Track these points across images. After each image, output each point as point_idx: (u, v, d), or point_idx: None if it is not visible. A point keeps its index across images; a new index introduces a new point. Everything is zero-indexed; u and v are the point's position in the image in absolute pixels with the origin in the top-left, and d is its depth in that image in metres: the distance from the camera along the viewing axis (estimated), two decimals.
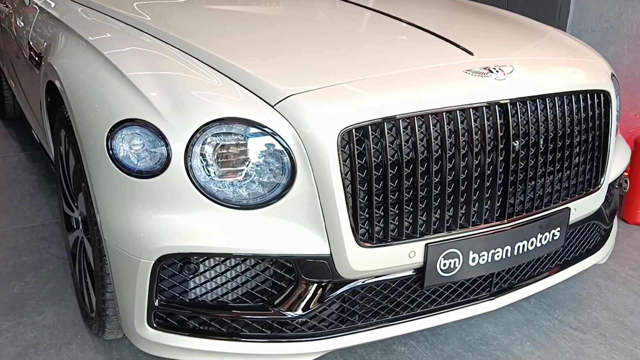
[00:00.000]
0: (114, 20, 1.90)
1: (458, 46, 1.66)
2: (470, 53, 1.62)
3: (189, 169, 1.37)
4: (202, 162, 1.38)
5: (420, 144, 1.42)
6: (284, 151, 1.38)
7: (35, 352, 1.83)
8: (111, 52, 1.66)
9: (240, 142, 1.38)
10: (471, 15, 2.24)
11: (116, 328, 1.69)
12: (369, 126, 1.37)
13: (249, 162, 1.39)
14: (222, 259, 1.41)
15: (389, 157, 1.40)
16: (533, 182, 1.61)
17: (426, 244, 1.48)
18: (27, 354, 1.82)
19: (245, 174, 1.40)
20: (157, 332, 1.45)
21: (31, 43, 2.25)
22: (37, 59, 2.12)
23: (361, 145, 1.38)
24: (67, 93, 1.65)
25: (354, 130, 1.36)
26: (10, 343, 1.87)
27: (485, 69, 1.54)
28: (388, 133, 1.39)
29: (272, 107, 1.40)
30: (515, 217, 1.60)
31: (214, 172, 1.38)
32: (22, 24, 2.53)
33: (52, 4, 2.22)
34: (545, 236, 1.66)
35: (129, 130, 1.40)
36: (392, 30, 1.84)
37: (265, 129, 1.38)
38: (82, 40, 1.80)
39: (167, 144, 1.37)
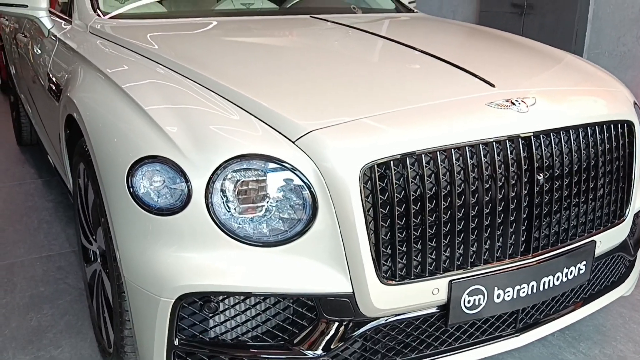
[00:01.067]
0: (132, 53, 1.91)
1: (478, 77, 1.65)
2: (491, 85, 1.60)
3: (209, 206, 1.36)
4: (222, 199, 1.37)
5: (443, 178, 1.40)
6: (305, 187, 1.36)
7: None
8: (129, 85, 1.66)
9: (261, 178, 1.37)
10: (487, 42, 2.23)
11: None
12: (391, 161, 1.36)
13: (270, 198, 1.38)
14: (243, 297, 1.39)
15: (411, 192, 1.38)
16: (558, 215, 1.58)
17: (450, 281, 1.45)
18: None
19: (266, 210, 1.38)
20: None
21: (51, 74, 2.27)
22: (56, 91, 2.13)
23: (383, 181, 1.36)
24: (87, 127, 1.65)
25: (375, 166, 1.35)
26: None
27: (507, 101, 1.52)
28: (410, 168, 1.37)
29: (293, 142, 1.38)
30: (540, 251, 1.56)
31: (235, 209, 1.37)
32: (41, 54, 2.56)
33: (71, 36, 2.24)
34: (571, 270, 1.62)
35: (150, 167, 1.39)
36: (409, 60, 1.83)
37: (286, 165, 1.36)
38: (101, 74, 1.81)
39: (187, 181, 1.36)
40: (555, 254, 1.59)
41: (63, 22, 2.45)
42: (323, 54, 1.93)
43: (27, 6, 2.40)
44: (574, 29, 2.98)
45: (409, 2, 3.09)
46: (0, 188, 3.50)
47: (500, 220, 1.48)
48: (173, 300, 1.37)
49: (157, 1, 2.87)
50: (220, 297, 1.39)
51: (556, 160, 1.53)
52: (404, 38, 2.02)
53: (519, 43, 2.27)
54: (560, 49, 2.22)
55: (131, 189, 1.39)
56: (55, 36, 2.37)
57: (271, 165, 1.37)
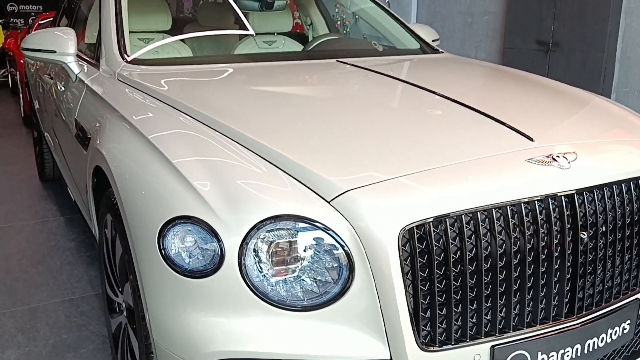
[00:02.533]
0: (160, 103, 1.89)
1: (515, 130, 1.60)
2: (530, 138, 1.56)
3: (242, 268, 1.32)
4: (255, 261, 1.33)
5: (484, 239, 1.35)
6: (341, 250, 1.32)
7: None
8: (157, 136, 1.65)
9: (296, 239, 1.33)
10: (517, 86, 2.19)
11: None
12: (430, 223, 1.31)
13: (305, 260, 1.33)
14: None
15: (451, 254, 1.33)
16: (602, 274, 1.51)
17: (492, 346, 1.38)
18: None
19: (300, 272, 1.34)
20: None
21: (79, 121, 2.27)
22: (84, 139, 2.12)
23: (423, 243, 1.31)
24: (116, 181, 1.63)
25: (414, 227, 1.30)
26: None
27: (548, 156, 1.47)
28: (450, 229, 1.33)
29: (328, 202, 1.35)
30: (584, 312, 1.49)
31: (268, 271, 1.33)
32: (69, 98, 2.57)
33: (99, 83, 2.24)
34: (615, 330, 1.55)
35: (182, 227, 1.36)
36: (443, 111, 1.79)
37: (321, 226, 1.32)
38: (129, 124, 1.79)
39: (220, 243, 1.32)
40: (600, 314, 1.52)
41: (91, 66, 2.46)
42: (353, 103, 1.90)
43: (55, 52, 2.42)
44: (602, 68, 2.93)
45: (433, 40, 3.07)
46: (24, 226, 3.50)
47: (543, 282, 1.42)
48: None
49: (181, 40, 2.89)
50: None
51: (599, 216, 1.47)
52: (436, 85, 1.98)
53: (549, 87, 2.23)
54: (588, 87, 2.18)
55: (162, 251, 1.36)
56: (82, 82, 2.37)
57: (306, 226, 1.33)
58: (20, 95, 6.72)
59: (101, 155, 1.79)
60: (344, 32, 5.11)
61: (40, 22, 7.39)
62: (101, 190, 1.93)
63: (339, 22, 5.13)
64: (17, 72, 6.97)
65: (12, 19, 13.22)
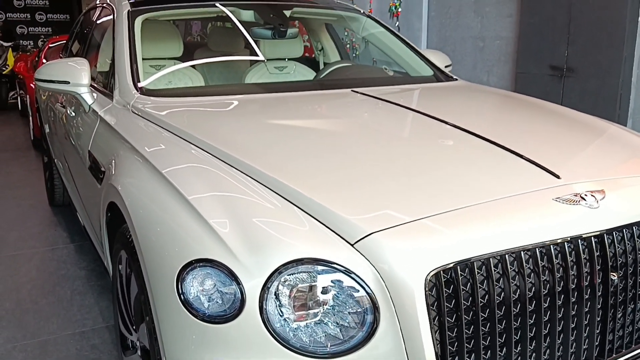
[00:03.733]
0: (175, 137, 1.87)
1: (539, 166, 1.57)
2: (556, 175, 1.52)
3: (263, 313, 1.28)
4: (277, 305, 1.29)
5: (512, 282, 1.31)
6: (365, 294, 1.28)
7: None
8: (172, 171, 1.63)
9: (318, 283, 1.29)
10: (536, 117, 2.16)
11: None
12: (458, 266, 1.27)
13: (327, 304, 1.30)
14: None
15: (479, 299, 1.28)
16: (632, 315, 1.46)
17: None
18: None
19: (323, 317, 1.30)
20: None
21: (92, 153, 2.25)
22: (98, 172, 2.10)
23: (449, 287, 1.27)
24: (132, 219, 1.60)
25: (441, 271, 1.26)
26: None
27: (576, 195, 1.43)
28: (478, 273, 1.29)
29: (352, 245, 1.31)
30: (614, 354, 1.45)
31: (290, 316, 1.29)
32: (82, 129, 2.55)
33: (112, 115, 2.22)
34: None
35: (201, 270, 1.33)
36: (464, 146, 1.75)
37: (344, 270, 1.28)
38: (144, 159, 1.77)
39: (240, 286, 1.29)
40: (631, 357, 1.47)
41: (104, 97, 2.44)
42: (371, 137, 1.87)
43: (69, 82, 2.41)
44: (618, 94, 2.90)
45: (446, 66, 3.05)
46: (34, 254, 3.47)
47: (573, 325, 1.38)
48: None
49: (192, 66, 2.88)
50: None
51: (630, 257, 1.43)
52: (455, 117, 1.95)
53: (566, 116, 2.20)
54: (604, 113, 2.15)
55: (182, 295, 1.32)
56: (96, 113, 2.36)
57: (328, 269, 1.29)
58: (30, 118, 6.74)
59: (116, 191, 1.76)
60: (353, 55, 5.11)
61: (50, 45, 7.45)
62: (115, 225, 1.90)
63: (348, 46, 5.13)
64: (27, 95, 7.00)
65: (21, 41, 13.36)
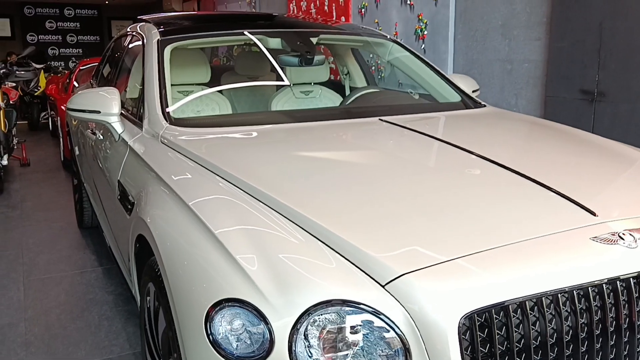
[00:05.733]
0: (204, 170, 1.88)
1: (575, 202, 1.53)
2: (592, 213, 1.48)
3: (292, 355, 1.26)
4: (306, 346, 1.27)
5: (549, 326, 1.27)
6: (396, 336, 1.25)
7: None
8: (199, 204, 1.63)
9: (347, 324, 1.27)
10: (570, 148, 2.11)
11: None
12: (492, 309, 1.24)
13: (357, 346, 1.27)
14: None
15: (515, 342, 1.25)
16: None
17: None
18: None
19: (353, 359, 1.27)
20: None
21: (121, 182, 2.27)
22: (127, 202, 2.12)
23: (484, 331, 1.24)
24: (161, 254, 1.60)
25: (475, 315, 1.23)
26: None
27: (613, 234, 1.39)
28: (514, 316, 1.25)
29: (382, 286, 1.29)
30: None
31: (319, 358, 1.26)
32: (111, 157, 2.59)
33: (141, 145, 2.24)
34: None
35: (230, 310, 1.32)
36: (496, 181, 1.71)
37: (374, 311, 1.26)
38: (172, 191, 1.77)
39: (269, 326, 1.27)
40: None
41: (134, 126, 2.47)
42: (400, 171, 1.84)
43: (99, 112, 2.45)
44: None
45: (473, 91, 3.02)
46: (63, 277, 3.51)
47: None
48: None
49: (219, 91, 2.91)
50: None
51: None
52: (486, 150, 1.91)
53: (599, 146, 2.15)
54: (637, 138, 2.08)
55: (210, 336, 1.31)
56: (125, 142, 2.39)
57: (357, 310, 1.27)
58: (61, 139, 6.88)
59: (144, 224, 1.77)
60: (379, 77, 5.11)
61: (81, 67, 7.62)
62: (144, 257, 1.91)
63: (373, 68, 5.14)
64: (58, 117, 7.16)
65: (52, 62, 13.72)
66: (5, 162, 5.64)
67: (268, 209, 1.58)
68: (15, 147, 6.54)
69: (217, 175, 1.83)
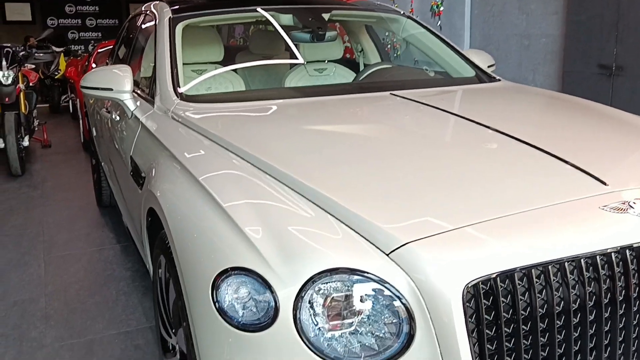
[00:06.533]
0: (212, 144, 1.88)
1: (585, 172, 1.50)
2: (603, 182, 1.45)
3: (297, 322, 1.27)
4: (310, 314, 1.28)
5: (556, 295, 1.26)
6: (401, 305, 1.25)
7: None
8: (208, 178, 1.64)
9: (352, 292, 1.27)
10: (584, 120, 2.07)
11: None
12: (498, 277, 1.23)
13: (362, 314, 1.28)
14: None
15: (521, 311, 1.24)
16: None
17: None
18: None
19: (358, 327, 1.28)
20: None
21: (134, 158, 2.29)
22: (139, 177, 2.14)
23: (489, 299, 1.23)
24: (169, 226, 1.62)
25: (480, 283, 1.22)
26: None
27: (623, 203, 1.37)
28: (519, 284, 1.24)
29: (387, 255, 1.29)
30: None
31: (324, 325, 1.27)
32: (124, 135, 2.61)
33: (153, 121, 2.26)
34: None
35: (236, 278, 1.33)
36: (505, 151, 1.69)
37: (379, 280, 1.26)
38: (181, 165, 1.79)
39: (274, 295, 1.28)
40: None
41: (146, 103, 2.49)
42: (409, 143, 1.83)
43: (112, 89, 2.47)
44: None
45: (489, 66, 2.98)
46: (82, 255, 3.58)
47: (621, 338, 1.31)
48: None
49: (233, 70, 2.91)
50: None
51: None
52: (496, 121, 1.90)
53: (617, 118, 2.10)
54: None
55: (216, 303, 1.33)
56: (138, 119, 2.40)
57: (363, 279, 1.27)
58: (80, 121, 6.96)
59: (154, 197, 1.79)
60: (394, 55, 5.06)
61: (99, 50, 7.67)
62: (155, 230, 1.93)
63: (389, 46, 5.09)
64: (77, 99, 7.24)
65: (72, 46, 13.82)
66: (26, 143, 5.73)
67: (277, 183, 1.58)
68: (36, 128, 6.63)
69: (227, 149, 1.83)
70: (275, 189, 1.55)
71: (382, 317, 1.27)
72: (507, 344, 1.24)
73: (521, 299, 1.24)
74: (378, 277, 1.26)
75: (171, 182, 1.80)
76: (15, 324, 2.73)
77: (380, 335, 1.27)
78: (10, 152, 5.30)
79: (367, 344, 1.27)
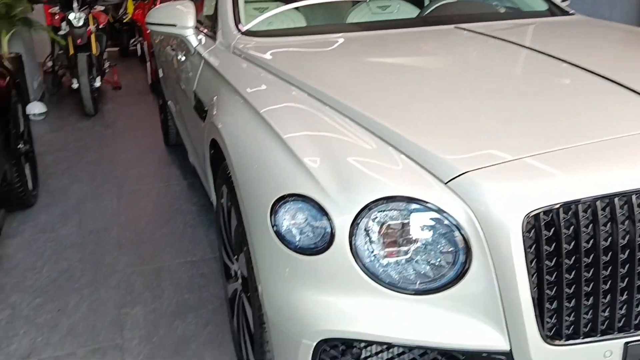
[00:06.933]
0: (273, 77, 1.89)
1: None
2: None
3: (352, 248, 1.29)
4: (366, 241, 1.29)
5: (621, 227, 1.21)
6: (458, 234, 1.24)
7: None
8: (268, 110, 1.65)
9: (408, 221, 1.27)
10: None
11: None
12: (560, 208, 1.20)
13: (418, 242, 1.28)
14: (387, 347, 1.31)
15: (583, 243, 1.20)
16: None
17: (625, 343, 1.25)
18: None
19: (413, 255, 1.28)
20: None
21: (197, 93, 2.34)
22: (202, 111, 2.19)
23: (550, 230, 1.20)
24: (230, 156, 1.66)
25: (542, 213, 1.19)
26: None
27: None
28: (582, 216, 1.20)
29: (445, 184, 1.27)
30: None
31: (379, 252, 1.29)
32: (188, 70, 2.66)
33: (215, 56, 2.28)
34: None
35: (293, 204, 1.36)
36: (575, 83, 1.61)
37: (437, 209, 1.25)
38: (243, 98, 1.81)
39: (330, 221, 1.30)
40: None
41: (208, 38, 2.51)
42: (473, 75, 1.77)
43: (175, 25, 2.50)
44: None
45: (562, 1, 2.80)
46: (151, 190, 3.74)
47: None
48: (314, 344, 1.32)
49: (295, 8, 2.87)
50: (364, 345, 1.32)
51: None
52: (567, 53, 1.80)
53: None
54: None
55: (274, 227, 1.37)
56: (200, 54, 2.44)
57: (419, 207, 1.26)
58: (147, 64, 7.13)
59: (216, 129, 1.83)
60: None
61: None
62: (218, 161, 1.99)
63: None
64: (145, 42, 7.39)
65: None
66: (98, 84, 5.95)
67: (338, 115, 1.58)
68: (107, 71, 6.86)
69: (288, 82, 1.84)
70: (336, 121, 1.55)
71: (439, 246, 1.27)
72: (567, 275, 1.22)
73: (584, 231, 1.20)
74: (436, 206, 1.26)
75: (232, 115, 1.83)
76: (92, 250, 2.92)
77: (436, 263, 1.28)
78: (84, 92, 5.52)
79: (422, 272, 1.28)
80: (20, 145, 3.33)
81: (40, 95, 6.37)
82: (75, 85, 5.63)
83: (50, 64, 6.76)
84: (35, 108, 5.60)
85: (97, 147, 4.71)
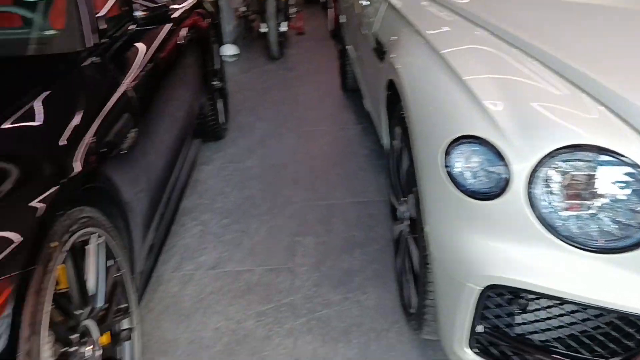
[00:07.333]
0: (457, 17, 1.83)
1: None
2: None
3: (529, 197, 1.23)
4: (545, 191, 1.22)
5: None
6: None
7: (358, 332, 1.97)
8: (450, 51, 1.60)
9: (595, 172, 1.18)
10: None
11: (434, 331, 1.69)
12: None
13: (604, 197, 1.18)
14: (559, 302, 1.25)
15: None
16: None
17: None
18: (351, 331, 1.98)
19: (598, 209, 1.19)
20: (476, 358, 1.39)
21: (377, 35, 2.35)
22: (381, 52, 2.20)
23: None
24: (407, 96, 1.66)
25: None
26: (337, 317, 2.06)
27: None
28: None
29: None
30: None
31: (559, 204, 1.22)
32: (370, 13, 2.68)
33: None
34: None
35: (469, 147, 1.33)
36: None
37: (632, 163, 1.14)
38: (423, 38, 1.78)
39: (507, 166, 1.25)
40: None
41: None
42: None
43: None
44: None
45: None
46: (326, 132, 3.90)
47: None
48: (480, 289, 1.31)
49: None
50: (532, 296, 1.28)
51: None
52: None
53: None
54: None
55: (447, 168, 1.35)
56: None
57: (613, 160, 1.16)
58: (329, 10, 7.29)
59: (394, 69, 1.83)
60: None
61: None
62: (393, 103, 2.00)
63: None
64: None
65: None
66: (284, 29, 6.23)
67: (527, 58, 1.49)
68: (292, 16, 7.15)
69: (472, 22, 1.77)
70: (524, 64, 1.46)
71: (629, 204, 1.17)
72: None
73: None
74: (632, 160, 1.15)
75: (412, 55, 1.81)
76: (272, 182, 3.16)
77: (624, 222, 1.17)
78: (271, 36, 5.84)
79: (606, 229, 1.19)
80: (215, 82, 3.66)
81: (234, 39, 6.88)
82: (263, 30, 5.96)
83: (243, 9, 7.23)
84: (229, 50, 6.07)
85: (281, 89, 4.99)
